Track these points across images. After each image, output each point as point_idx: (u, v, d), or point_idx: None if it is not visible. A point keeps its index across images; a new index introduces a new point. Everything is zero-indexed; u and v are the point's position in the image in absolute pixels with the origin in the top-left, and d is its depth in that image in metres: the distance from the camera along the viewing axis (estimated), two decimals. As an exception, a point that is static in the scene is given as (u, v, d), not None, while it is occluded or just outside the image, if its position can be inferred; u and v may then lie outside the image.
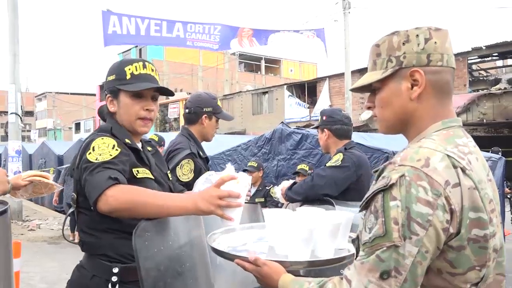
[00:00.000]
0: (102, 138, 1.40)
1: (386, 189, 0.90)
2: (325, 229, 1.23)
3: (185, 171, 2.16)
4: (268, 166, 5.41)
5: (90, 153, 1.35)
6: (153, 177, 1.48)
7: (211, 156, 5.28)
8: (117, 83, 1.50)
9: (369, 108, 1.11)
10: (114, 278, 1.35)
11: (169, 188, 1.58)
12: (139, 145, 1.56)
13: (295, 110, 19.33)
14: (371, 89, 1.08)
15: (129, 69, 1.50)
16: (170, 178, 1.65)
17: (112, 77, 1.52)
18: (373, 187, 0.95)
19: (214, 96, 2.47)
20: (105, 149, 1.35)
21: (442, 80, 1.01)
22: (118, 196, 1.23)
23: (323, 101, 17.75)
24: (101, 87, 35.27)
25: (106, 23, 8.11)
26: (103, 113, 1.60)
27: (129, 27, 8.21)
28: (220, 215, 1.21)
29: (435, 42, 1.00)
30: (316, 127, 2.74)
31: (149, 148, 1.63)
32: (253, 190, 4.83)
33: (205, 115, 2.36)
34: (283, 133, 5.31)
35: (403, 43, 1.01)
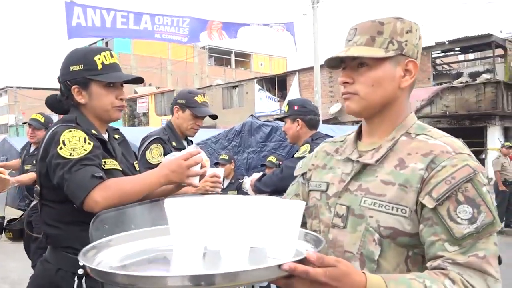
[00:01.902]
0: (70, 131, 1.37)
1: (473, 177, 0.91)
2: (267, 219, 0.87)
3: (154, 155, 2.25)
4: (238, 159, 5.42)
5: (61, 147, 1.32)
6: (120, 168, 1.47)
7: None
8: (88, 74, 1.47)
9: (345, 83, 1.05)
10: (81, 271, 1.34)
11: None
12: (106, 135, 1.54)
13: (265, 104, 19.40)
14: (354, 64, 1.03)
15: (99, 59, 1.48)
16: (137, 169, 1.64)
17: (78, 67, 1.48)
18: (447, 178, 0.91)
19: (194, 92, 2.55)
20: (77, 143, 1.33)
21: (416, 78, 1.07)
22: (105, 195, 1.27)
23: (293, 95, 17.88)
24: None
25: (69, 15, 7.85)
26: (55, 103, 1.56)
27: (94, 19, 7.98)
28: (189, 184, 1.39)
29: (420, 43, 1.06)
30: (285, 117, 2.74)
31: (116, 136, 1.62)
32: (226, 182, 4.83)
33: (177, 107, 2.47)
34: (253, 125, 5.34)
35: (407, 32, 1.02)
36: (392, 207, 0.96)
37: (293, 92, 18.09)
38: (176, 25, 8.87)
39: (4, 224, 3.74)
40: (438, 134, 1.02)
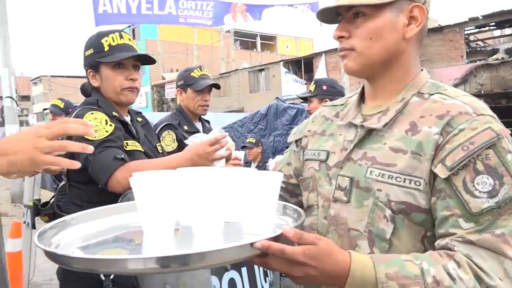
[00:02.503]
0: (92, 113, 1.40)
1: (496, 142, 0.78)
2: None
3: (167, 142, 2.24)
4: (265, 142, 5.42)
5: None
6: (142, 150, 1.48)
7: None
8: (96, 57, 1.49)
9: (340, 37, 0.92)
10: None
11: None
12: (128, 117, 1.56)
13: (292, 87, 19.21)
14: (350, 15, 0.90)
15: (106, 41, 1.49)
16: (160, 151, 1.67)
17: (90, 51, 1.51)
18: (465, 143, 0.78)
19: (190, 68, 2.50)
20: (99, 125, 1.36)
21: (426, 27, 0.93)
22: (128, 176, 1.27)
23: (320, 77, 17.65)
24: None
25: (96, 3, 7.97)
26: (86, 90, 1.59)
27: (119, 6, 8.08)
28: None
29: None
30: (312, 96, 2.69)
31: (139, 119, 1.64)
32: (253, 166, 4.85)
33: (179, 89, 2.46)
34: (278, 108, 5.31)
35: None
36: (404, 179, 0.83)
37: (320, 74, 17.82)
38: (200, 8, 8.85)
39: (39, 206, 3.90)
40: (456, 93, 0.88)
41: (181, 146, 2.23)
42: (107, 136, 1.35)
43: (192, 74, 2.43)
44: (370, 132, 0.92)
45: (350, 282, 0.74)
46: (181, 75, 2.48)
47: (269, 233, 0.72)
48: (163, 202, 0.75)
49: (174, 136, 2.29)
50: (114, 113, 1.47)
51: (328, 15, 0.94)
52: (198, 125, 2.50)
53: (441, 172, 0.80)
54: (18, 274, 3.08)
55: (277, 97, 5.77)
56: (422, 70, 0.95)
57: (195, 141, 1.65)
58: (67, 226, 0.84)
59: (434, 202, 0.82)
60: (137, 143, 1.49)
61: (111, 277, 1.09)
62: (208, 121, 2.65)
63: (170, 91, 25.69)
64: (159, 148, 1.68)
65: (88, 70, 1.53)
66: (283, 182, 1.09)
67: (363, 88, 1.02)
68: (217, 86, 2.49)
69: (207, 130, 2.51)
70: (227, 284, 1.31)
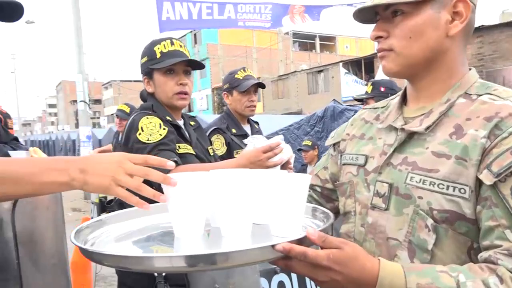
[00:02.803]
0: (147, 117, 1.48)
1: None
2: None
3: (217, 146, 2.27)
4: (321, 145, 5.36)
5: (140, 133, 1.44)
6: (194, 153, 1.54)
7: (265, 135, 5.33)
8: (149, 64, 1.57)
9: (378, 38, 0.87)
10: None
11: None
12: (181, 121, 1.63)
13: (352, 88, 18.82)
14: (389, 13, 0.86)
15: (158, 48, 1.56)
16: (211, 154, 1.71)
17: (145, 59, 1.60)
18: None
19: (234, 71, 2.50)
20: (153, 129, 1.44)
21: (473, 22, 0.86)
22: None
23: (381, 77, 17.11)
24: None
25: (160, 10, 8.35)
26: (143, 96, 1.68)
27: (181, 12, 8.41)
28: None
29: None
30: (369, 98, 2.62)
31: (192, 123, 1.70)
32: (310, 169, 4.83)
33: (225, 93, 2.48)
34: (335, 110, 5.23)
35: None
36: (448, 186, 0.78)
37: (381, 74, 17.26)
38: (258, 11, 8.97)
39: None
40: (507, 93, 0.81)
41: (229, 150, 2.27)
42: (160, 140, 1.41)
43: (236, 76, 2.44)
44: (411, 135, 0.87)
45: None
46: (226, 78, 2.50)
47: (295, 236, 0.71)
48: (192, 203, 0.76)
49: (223, 140, 2.32)
50: (168, 117, 1.54)
51: (366, 15, 0.89)
52: (247, 128, 2.51)
53: (487, 178, 0.75)
54: (86, 267, 3.30)
55: (334, 99, 5.68)
56: (470, 69, 0.89)
57: (254, 142, 1.68)
58: (103, 225, 0.88)
59: (479, 211, 0.77)
60: (189, 146, 1.55)
61: (163, 274, 1.13)
62: (257, 122, 2.65)
63: (230, 94, 26.20)
64: (210, 151, 1.73)
65: (144, 77, 1.62)
66: (319, 186, 1.07)
67: (405, 90, 0.97)
68: (262, 86, 2.48)
69: (255, 131, 2.52)
70: (276, 287, 1.32)
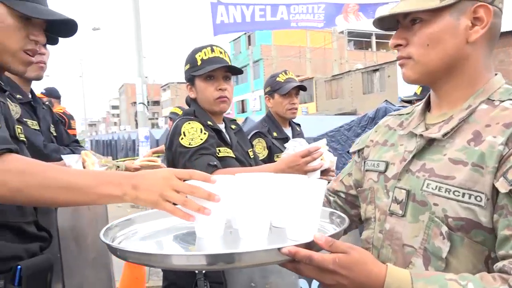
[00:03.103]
0: (189, 123, 1.56)
1: None
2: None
3: (258, 150, 2.31)
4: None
5: (182, 138, 1.52)
6: (234, 156, 1.59)
7: (314, 137, 5.30)
8: (191, 71, 1.65)
9: (397, 46, 0.88)
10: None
11: (249, 166, 1.69)
12: (222, 125, 1.68)
13: (409, 87, 18.06)
14: (407, 21, 0.86)
15: (199, 56, 1.63)
16: (252, 156, 1.76)
17: (187, 67, 1.68)
18: None
19: (275, 74, 2.51)
20: (194, 134, 1.51)
21: (499, 26, 0.84)
22: None
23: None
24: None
25: (214, 14, 8.56)
26: (188, 101, 1.76)
27: (235, 15, 8.57)
28: None
29: None
30: (418, 99, 2.56)
31: (233, 127, 1.75)
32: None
33: (267, 96, 2.48)
34: (387, 111, 5.07)
35: None
36: (464, 193, 0.77)
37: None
38: (311, 11, 8.93)
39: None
40: None
41: (270, 154, 2.30)
42: (201, 144, 1.49)
43: (277, 79, 2.45)
44: (431, 142, 0.86)
45: None
46: (268, 81, 2.50)
47: (303, 240, 0.73)
48: (213, 206, 0.80)
49: (264, 143, 2.34)
50: (209, 122, 1.61)
51: (388, 23, 0.90)
52: (288, 131, 2.51)
53: (502, 186, 0.73)
54: (140, 282, 3.36)
55: (386, 100, 5.52)
56: (496, 74, 0.87)
57: (294, 145, 1.69)
58: (132, 224, 0.95)
59: (496, 220, 0.75)
60: (229, 150, 1.60)
61: (203, 271, 1.18)
62: (298, 125, 2.65)
63: (283, 94, 26.24)
64: (250, 153, 1.77)
65: (187, 84, 1.70)
66: (343, 193, 1.08)
67: (429, 96, 0.96)
68: (303, 88, 2.47)
69: (296, 134, 2.52)
70: (316, 289, 1.32)
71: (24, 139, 1.14)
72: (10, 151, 0.87)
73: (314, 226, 0.79)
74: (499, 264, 0.72)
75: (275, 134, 2.41)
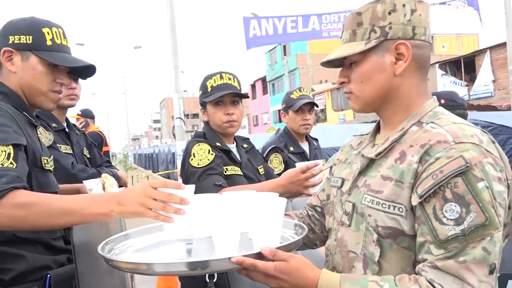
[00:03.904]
0: (199, 144, 1.69)
1: (466, 171, 0.79)
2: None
3: (275, 164, 2.41)
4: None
5: (192, 159, 1.66)
6: (241, 174, 1.69)
7: (331, 147, 5.35)
8: (203, 97, 1.79)
9: (342, 83, 1.03)
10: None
11: (258, 182, 1.78)
12: (233, 144, 1.81)
13: (450, 90, 17.52)
14: (347, 62, 1.01)
15: (209, 83, 1.76)
16: (262, 173, 1.85)
17: (200, 93, 1.83)
18: (435, 172, 0.82)
19: (290, 91, 2.60)
20: (202, 155, 1.64)
21: (424, 56, 0.95)
22: None
23: (485, 77, 15.67)
24: (252, 86, 37.88)
25: (247, 28, 8.74)
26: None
27: (267, 28, 8.71)
28: (307, 194, 1.51)
29: (420, 14, 0.94)
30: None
31: (244, 145, 1.87)
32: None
33: (282, 113, 2.58)
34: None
35: (389, 13, 0.94)
36: (389, 205, 0.89)
37: (484, 74, 15.83)
38: (343, 20, 8.91)
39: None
40: (447, 121, 0.90)
41: (286, 168, 2.33)
42: (208, 164, 1.62)
43: (291, 96, 2.54)
44: (372, 161, 0.98)
45: None
46: (283, 98, 2.61)
47: (252, 251, 0.85)
48: (181, 219, 0.96)
49: (280, 158, 2.43)
50: (218, 143, 1.74)
51: (336, 63, 1.04)
52: (305, 145, 2.58)
53: (414, 199, 0.85)
54: None
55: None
56: (431, 98, 0.98)
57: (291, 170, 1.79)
58: (128, 238, 1.10)
59: (416, 229, 0.86)
60: (236, 168, 1.72)
61: (214, 280, 1.27)
62: (316, 139, 2.71)
63: (319, 102, 26.14)
64: (261, 170, 1.88)
65: (201, 108, 1.85)
66: (318, 207, 1.19)
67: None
68: (316, 105, 2.56)
69: (313, 148, 2.59)
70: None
71: (51, 168, 1.33)
72: (17, 188, 1.03)
73: (276, 236, 0.92)
74: (418, 267, 0.84)
75: (291, 148, 2.50)
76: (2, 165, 1.07)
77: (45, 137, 1.81)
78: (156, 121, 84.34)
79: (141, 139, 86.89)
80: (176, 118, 9.04)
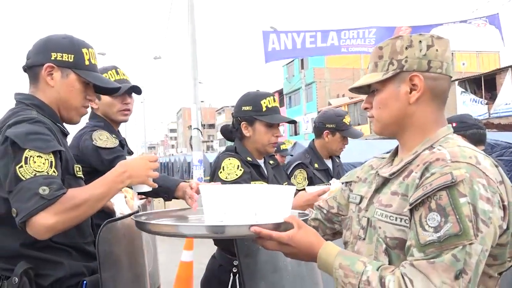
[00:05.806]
0: (229, 159, 1.75)
1: (451, 186, 0.88)
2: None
3: (299, 180, 2.46)
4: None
5: (221, 172, 1.72)
6: None
7: (362, 162, 5.28)
8: (254, 114, 1.82)
9: (366, 108, 1.15)
10: (235, 269, 1.68)
11: None
12: (262, 160, 1.86)
13: (470, 108, 17.25)
14: (370, 90, 1.13)
15: (264, 103, 1.82)
16: None
17: (248, 108, 1.84)
18: (426, 184, 0.92)
19: (341, 113, 2.63)
20: (232, 169, 1.71)
21: (440, 87, 1.04)
22: None
23: (506, 95, 15.43)
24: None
25: (266, 42, 8.83)
26: (226, 132, 1.93)
27: (286, 43, 8.78)
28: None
29: (437, 49, 1.03)
30: None
31: (271, 162, 1.92)
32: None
33: (327, 131, 2.57)
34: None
35: (406, 48, 1.04)
36: (396, 218, 0.99)
37: (506, 92, 15.60)
38: (362, 36, 8.94)
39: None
40: (453, 144, 0.99)
41: (311, 184, 2.41)
42: (236, 179, 1.69)
43: (344, 120, 2.59)
44: (387, 180, 1.08)
45: (318, 261, 1.02)
46: (333, 118, 2.61)
47: (273, 221, 1.04)
48: (214, 203, 1.15)
49: (305, 174, 2.48)
50: (248, 158, 1.80)
51: (363, 91, 1.16)
52: (329, 162, 2.63)
53: (406, 207, 0.96)
54: (189, 280, 3.85)
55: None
56: (446, 126, 1.07)
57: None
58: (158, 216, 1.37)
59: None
60: (263, 182, 1.78)
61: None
62: (338, 156, 2.75)
63: (336, 117, 26.04)
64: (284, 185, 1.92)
65: (242, 122, 1.85)
66: (325, 209, 1.36)
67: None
68: (359, 135, 2.67)
69: (336, 166, 2.63)
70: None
71: (82, 175, 1.45)
72: (64, 193, 1.19)
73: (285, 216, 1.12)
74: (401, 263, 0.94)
75: (316, 165, 2.55)
76: (47, 173, 1.18)
77: (111, 141, 1.92)
78: (172, 130, 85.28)
79: (157, 148, 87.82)
80: (194, 128, 9.15)
